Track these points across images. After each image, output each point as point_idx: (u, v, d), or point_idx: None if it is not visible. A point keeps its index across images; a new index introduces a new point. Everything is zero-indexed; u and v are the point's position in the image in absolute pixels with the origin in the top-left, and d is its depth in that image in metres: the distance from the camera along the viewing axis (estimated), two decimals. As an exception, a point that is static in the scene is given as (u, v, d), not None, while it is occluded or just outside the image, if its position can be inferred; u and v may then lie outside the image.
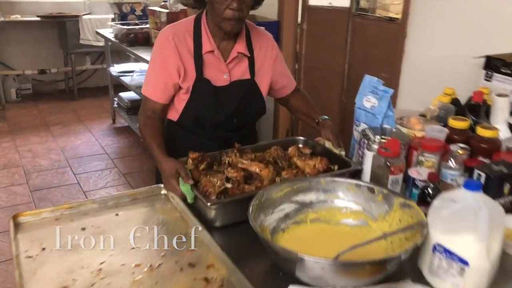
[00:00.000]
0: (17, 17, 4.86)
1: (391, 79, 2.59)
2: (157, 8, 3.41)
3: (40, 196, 3.18)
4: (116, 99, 4.47)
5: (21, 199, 3.15)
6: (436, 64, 2.32)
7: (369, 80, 1.67)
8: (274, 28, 3.26)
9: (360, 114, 1.68)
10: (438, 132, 1.48)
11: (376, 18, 2.71)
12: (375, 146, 1.42)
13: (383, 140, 1.44)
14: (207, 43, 1.55)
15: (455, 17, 2.21)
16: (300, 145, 1.67)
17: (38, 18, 4.91)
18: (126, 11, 3.95)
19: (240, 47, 1.60)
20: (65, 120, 4.68)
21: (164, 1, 3.81)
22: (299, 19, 3.31)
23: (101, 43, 4.65)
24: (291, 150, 1.58)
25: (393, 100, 2.52)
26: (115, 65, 4.44)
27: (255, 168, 1.43)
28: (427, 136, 1.49)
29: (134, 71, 4.10)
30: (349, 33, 2.93)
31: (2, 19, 4.75)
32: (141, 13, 3.92)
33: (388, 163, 1.33)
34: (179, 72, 1.54)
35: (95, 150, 3.98)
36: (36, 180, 3.42)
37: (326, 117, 1.68)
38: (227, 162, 1.51)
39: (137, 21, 3.83)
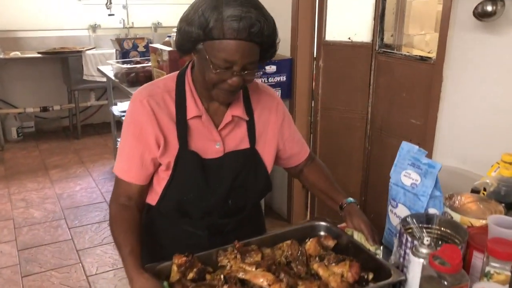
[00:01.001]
0: (16, 54, 4.64)
1: (424, 127, 2.22)
2: (159, 46, 3.11)
3: (28, 257, 2.85)
4: (119, 139, 4.16)
5: (7, 260, 2.82)
6: (482, 113, 1.95)
7: (408, 149, 1.31)
8: (287, 66, 2.93)
9: (398, 192, 1.31)
10: (508, 228, 1.10)
11: (404, 57, 2.36)
12: (424, 251, 1.05)
13: (431, 235, 1.06)
14: (193, 106, 1.21)
15: (507, 58, 1.85)
16: (322, 233, 1.32)
17: (39, 55, 4.68)
18: (128, 48, 3.69)
19: (235, 109, 1.25)
20: (66, 162, 4.38)
21: (168, 36, 3.52)
22: (315, 56, 2.98)
23: (105, 79, 4.39)
24: (309, 245, 1.22)
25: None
26: (118, 103, 4.15)
27: (262, 280, 1.07)
28: (491, 233, 1.11)
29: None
30: (373, 72, 2.58)
31: (2, 56, 4.53)
32: (144, 49, 3.65)
33: (445, 282, 0.96)
34: (158, 143, 1.20)
35: (94, 198, 3.66)
36: (26, 236, 3.10)
37: (352, 199, 1.31)
38: (226, 263, 1.16)
39: (139, 59, 3.54)
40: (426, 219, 1.20)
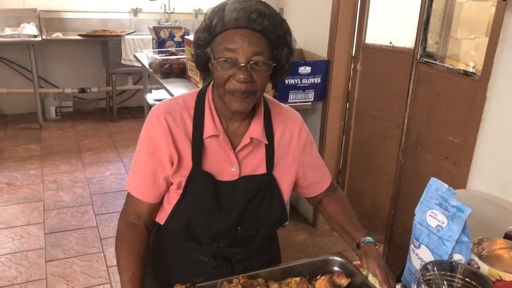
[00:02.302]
0: (58, 35, 4.70)
1: (463, 147, 2.08)
2: (193, 39, 3.05)
3: (54, 242, 2.90)
4: (151, 127, 4.17)
5: (34, 243, 2.88)
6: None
7: (436, 187, 1.20)
8: (323, 67, 2.82)
9: (421, 232, 1.21)
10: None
11: (447, 70, 2.20)
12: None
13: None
14: (211, 125, 1.15)
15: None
16: (336, 268, 1.24)
17: (79, 37, 4.73)
18: (165, 37, 3.65)
19: (255, 130, 1.18)
20: (99, 145, 4.44)
21: (204, 28, 3.45)
22: (352, 58, 2.85)
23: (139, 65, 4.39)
24: (320, 283, 1.14)
25: (463, 177, 2.01)
26: (153, 91, 4.15)
27: (263, 320, 1.00)
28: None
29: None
30: (412, 81, 2.43)
31: (45, 36, 4.60)
32: (181, 40, 3.61)
33: None
34: (171, 161, 1.14)
35: (123, 185, 3.69)
36: (54, 219, 3.16)
37: (371, 239, 1.21)
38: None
39: (174, 49, 3.50)
40: (449, 267, 1.10)
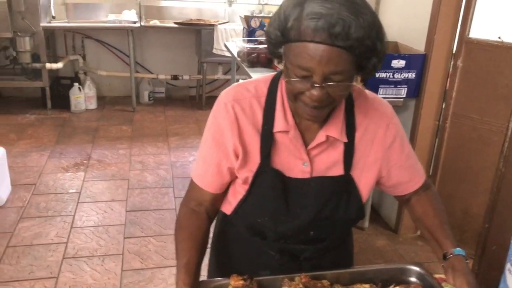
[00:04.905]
0: (155, 22, 4.88)
1: None
2: (282, 28, 2.98)
3: (133, 220, 3.00)
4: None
5: (115, 219, 3.00)
6: None
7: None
8: (419, 61, 2.60)
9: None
10: None
11: None
12: None
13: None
14: (282, 119, 1.04)
15: None
16: (413, 279, 1.09)
17: (176, 25, 4.87)
18: (255, 26, 3.62)
19: (332, 127, 1.05)
20: (186, 131, 4.55)
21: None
22: (453, 53, 2.59)
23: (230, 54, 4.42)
24: (391, 294, 1.01)
25: None
26: (240, 81, 4.15)
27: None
28: None
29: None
30: (522, 81, 2.15)
31: (143, 23, 4.80)
32: (270, 29, 3.55)
33: None
34: (236, 153, 1.06)
35: (203, 171, 3.73)
36: (136, 198, 3.27)
37: (461, 251, 1.05)
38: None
39: (263, 39, 3.47)
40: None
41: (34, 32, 4.43)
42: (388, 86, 2.59)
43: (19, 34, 4.37)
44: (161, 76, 5.20)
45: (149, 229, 2.91)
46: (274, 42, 0.95)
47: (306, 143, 1.06)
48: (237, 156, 1.07)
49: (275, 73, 1.10)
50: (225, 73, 5.33)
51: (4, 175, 3.08)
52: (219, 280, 1.02)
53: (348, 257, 1.27)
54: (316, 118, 0.98)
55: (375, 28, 0.90)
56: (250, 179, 1.07)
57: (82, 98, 4.84)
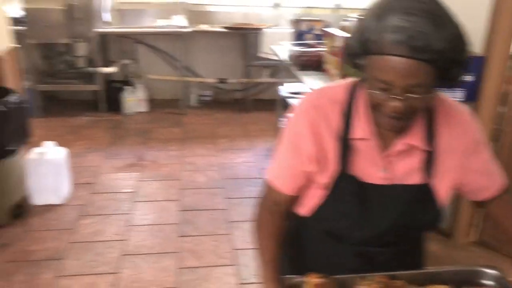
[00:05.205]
0: (203, 27, 4.99)
1: None
2: (333, 31, 2.99)
3: (187, 219, 3.08)
4: (282, 119, 4.22)
5: (169, 218, 3.09)
6: None
7: None
8: (477, 64, 2.55)
9: None
10: None
11: None
12: None
13: None
14: (361, 126, 1.05)
15: None
16: (489, 282, 1.09)
17: (224, 29, 4.96)
18: (304, 29, 3.65)
19: (413, 136, 1.05)
20: (233, 134, 4.62)
21: (344, 20, 3.38)
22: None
23: (277, 58, 4.46)
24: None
25: None
26: (287, 85, 4.19)
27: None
28: None
29: (301, 93, 3.78)
30: None
31: (192, 28, 4.92)
32: (320, 32, 3.58)
33: None
34: (313, 158, 1.09)
35: (252, 173, 3.78)
36: (188, 198, 3.35)
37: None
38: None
39: (313, 42, 3.48)
40: None
41: (89, 38, 4.62)
42: (446, 89, 2.55)
43: (75, 40, 4.57)
44: (209, 80, 5.30)
45: (203, 228, 2.98)
46: (354, 54, 0.97)
47: (385, 150, 1.07)
48: (314, 161, 1.09)
49: (354, 79, 1.12)
50: (270, 76, 5.38)
51: (66, 174, 3.23)
52: (295, 277, 1.06)
53: (421, 258, 1.27)
54: (396, 128, 1.00)
55: (457, 39, 0.90)
56: (328, 185, 1.10)
57: (134, 101, 5.00)
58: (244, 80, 5.35)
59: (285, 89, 4.03)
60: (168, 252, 2.73)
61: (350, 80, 1.12)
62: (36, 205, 3.09)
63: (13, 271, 2.51)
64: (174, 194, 3.40)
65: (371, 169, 1.08)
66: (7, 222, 2.88)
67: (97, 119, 4.82)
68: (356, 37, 0.95)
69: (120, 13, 5.08)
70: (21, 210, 2.96)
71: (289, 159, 1.13)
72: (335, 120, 1.08)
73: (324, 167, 1.09)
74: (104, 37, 4.91)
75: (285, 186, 1.14)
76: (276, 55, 4.01)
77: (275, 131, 4.37)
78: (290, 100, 3.80)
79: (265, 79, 5.33)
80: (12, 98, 2.73)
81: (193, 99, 5.39)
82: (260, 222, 1.16)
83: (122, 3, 5.07)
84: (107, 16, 4.82)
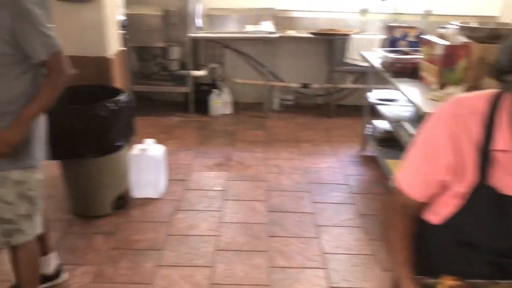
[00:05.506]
0: (292, 32, 5.08)
1: None
2: (433, 38, 2.95)
3: (274, 220, 3.16)
4: (369, 125, 4.20)
5: (258, 217, 3.19)
6: None
7: None
8: None
9: None
10: None
11: None
12: None
13: None
14: (503, 138, 1.05)
15: None
16: None
17: (310, 35, 5.02)
18: (397, 36, 3.61)
19: None
20: (316, 138, 4.66)
21: (441, 28, 3.31)
22: None
23: (366, 64, 4.44)
24: None
25: None
26: (375, 91, 4.16)
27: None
28: None
29: (394, 101, 3.74)
30: None
31: (279, 34, 5.02)
32: (414, 40, 3.52)
33: None
34: (450, 168, 1.10)
35: (337, 178, 3.80)
36: (275, 200, 3.44)
37: None
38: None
39: (407, 49, 3.44)
40: None
41: (183, 42, 4.87)
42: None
43: (170, 44, 4.83)
44: (292, 84, 5.38)
45: (290, 230, 3.05)
46: (503, 71, 0.99)
47: None
48: (451, 171, 1.11)
49: (495, 90, 1.11)
50: (354, 82, 5.36)
51: (164, 170, 3.44)
52: (428, 278, 1.08)
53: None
54: None
55: None
56: (464, 194, 1.11)
57: (220, 103, 5.19)
58: (328, 85, 5.37)
59: (374, 96, 4.00)
60: (259, 250, 2.83)
61: (490, 91, 1.12)
62: (135, 197, 3.31)
63: (118, 258, 2.72)
64: (261, 195, 3.50)
65: (511, 181, 1.08)
66: (111, 212, 3.12)
67: (186, 120, 5.06)
68: (508, 54, 0.97)
69: (210, 18, 5.29)
70: (123, 202, 3.19)
71: (423, 166, 1.15)
72: (476, 130, 1.08)
73: (461, 177, 1.10)
74: (195, 41, 5.15)
75: (417, 192, 1.17)
76: (366, 61, 4.01)
77: (360, 137, 4.36)
78: (379, 107, 3.78)
79: (349, 85, 5.32)
80: (122, 98, 2.95)
81: (275, 103, 5.49)
82: (392, 223, 1.20)
83: (212, 9, 5.28)
84: (199, 22, 5.05)
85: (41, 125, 2.05)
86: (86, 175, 2.96)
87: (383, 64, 3.39)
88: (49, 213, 2.72)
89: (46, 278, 2.41)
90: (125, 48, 4.11)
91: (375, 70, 3.70)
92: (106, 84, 3.25)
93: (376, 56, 3.74)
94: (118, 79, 3.40)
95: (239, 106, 5.43)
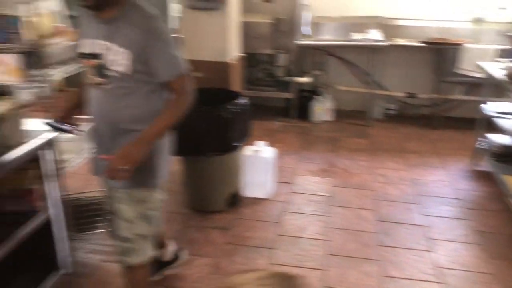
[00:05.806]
0: (400, 41, 4.99)
1: None
2: None
3: (384, 229, 3.13)
4: (483, 139, 4.00)
5: (366, 226, 3.17)
6: None
7: None
8: None
9: None
10: None
11: None
12: None
13: None
14: None
15: None
16: None
17: (419, 44, 4.89)
18: (522, 46, 3.42)
19: None
20: (422, 150, 4.52)
21: None
22: None
23: (479, 75, 4.24)
24: None
25: None
26: (491, 103, 3.96)
27: None
28: None
29: (515, 114, 3.54)
30: None
31: (388, 42, 4.96)
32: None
33: None
34: None
35: (446, 192, 3.67)
36: (383, 209, 3.39)
37: None
38: None
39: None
40: None
41: (289, 49, 4.98)
42: None
43: (277, 50, 4.96)
44: (397, 93, 5.27)
45: (400, 241, 3.00)
46: None
47: None
48: None
49: None
50: (465, 94, 5.13)
51: (273, 172, 3.54)
52: None
53: None
54: None
55: None
56: None
57: (322, 110, 5.22)
58: (436, 96, 5.19)
59: (490, 108, 3.81)
60: (370, 258, 2.81)
61: None
62: (246, 196, 3.44)
63: (233, 252, 2.85)
64: (368, 204, 3.47)
65: None
66: (224, 209, 3.27)
67: (288, 125, 5.15)
68: None
69: (317, 26, 5.35)
70: (236, 200, 3.34)
71: None
72: None
73: None
74: (301, 48, 5.23)
75: None
76: (482, 71, 3.83)
77: (471, 151, 4.16)
78: (498, 120, 3.59)
79: (461, 96, 5.10)
80: (241, 101, 3.10)
81: (377, 112, 5.40)
82: None
83: (320, 17, 5.33)
84: (306, 30, 5.13)
85: (166, 144, 2.04)
86: (205, 172, 3.14)
87: (508, 75, 3.22)
88: (169, 206, 2.92)
89: (165, 264, 2.57)
90: (244, 54, 4.29)
91: (495, 81, 3.52)
92: (226, 88, 3.42)
93: (497, 67, 3.56)
94: (236, 83, 3.56)
95: (340, 113, 5.41)
